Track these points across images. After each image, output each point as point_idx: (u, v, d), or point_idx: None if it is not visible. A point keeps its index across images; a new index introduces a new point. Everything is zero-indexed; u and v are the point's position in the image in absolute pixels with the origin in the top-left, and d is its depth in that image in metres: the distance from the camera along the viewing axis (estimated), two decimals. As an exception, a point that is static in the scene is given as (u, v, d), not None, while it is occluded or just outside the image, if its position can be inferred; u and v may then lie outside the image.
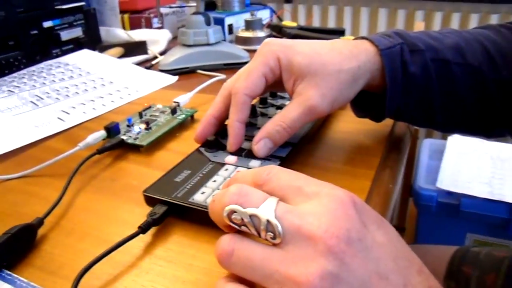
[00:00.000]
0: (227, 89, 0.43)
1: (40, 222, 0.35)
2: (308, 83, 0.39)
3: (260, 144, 0.39)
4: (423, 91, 0.43)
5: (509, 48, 0.44)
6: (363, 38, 0.44)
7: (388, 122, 0.52)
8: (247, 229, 0.24)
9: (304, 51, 0.40)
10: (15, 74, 0.72)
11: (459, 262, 0.64)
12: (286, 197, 0.25)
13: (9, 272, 0.31)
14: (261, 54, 0.41)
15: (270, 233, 0.23)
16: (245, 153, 0.40)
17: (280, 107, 0.50)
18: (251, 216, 0.24)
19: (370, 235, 0.24)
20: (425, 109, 0.45)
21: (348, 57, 0.41)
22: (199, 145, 0.43)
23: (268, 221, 0.23)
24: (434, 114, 0.45)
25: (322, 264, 0.22)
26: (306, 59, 0.40)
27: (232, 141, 0.41)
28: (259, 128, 0.42)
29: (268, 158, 0.40)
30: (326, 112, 0.40)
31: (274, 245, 0.24)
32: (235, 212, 0.24)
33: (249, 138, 0.42)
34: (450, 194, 1.07)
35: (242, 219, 0.24)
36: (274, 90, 0.49)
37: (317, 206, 0.24)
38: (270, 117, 0.44)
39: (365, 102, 0.47)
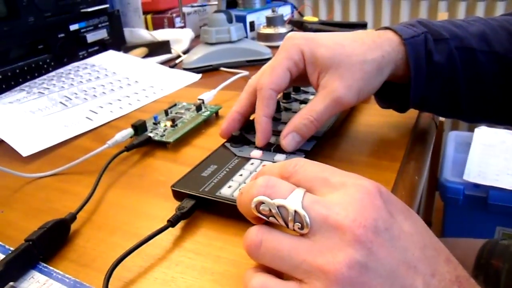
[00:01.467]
0: (252, 86, 0.43)
1: (73, 217, 0.36)
2: (332, 75, 0.39)
3: (288, 138, 0.40)
4: (448, 80, 0.43)
5: None
6: (386, 28, 0.44)
7: (412, 114, 0.52)
8: (275, 220, 0.25)
9: (327, 43, 0.40)
10: (44, 77, 0.74)
11: (488, 255, 0.64)
12: (312, 188, 0.26)
13: (45, 265, 0.32)
14: (285, 48, 0.41)
15: (297, 223, 0.24)
16: (273, 148, 0.41)
17: (303, 102, 0.51)
18: (278, 207, 0.24)
19: (397, 224, 0.24)
20: (450, 98, 0.44)
21: (371, 47, 0.41)
22: (224, 140, 0.44)
23: (295, 211, 0.24)
24: (459, 103, 0.45)
25: (349, 254, 0.22)
26: (329, 51, 0.40)
27: (260, 136, 0.41)
28: (283, 123, 0.42)
29: (293, 152, 0.40)
30: (353, 103, 0.40)
31: (302, 235, 0.24)
32: (263, 203, 0.25)
33: (275, 133, 0.43)
34: (477, 186, 1.05)
35: (270, 210, 0.25)
36: (299, 84, 0.49)
37: (344, 196, 0.24)
38: (294, 112, 0.45)
39: (389, 93, 0.47)
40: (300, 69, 0.41)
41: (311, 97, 0.52)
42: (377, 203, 0.24)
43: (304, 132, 0.39)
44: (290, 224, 0.24)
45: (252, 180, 0.28)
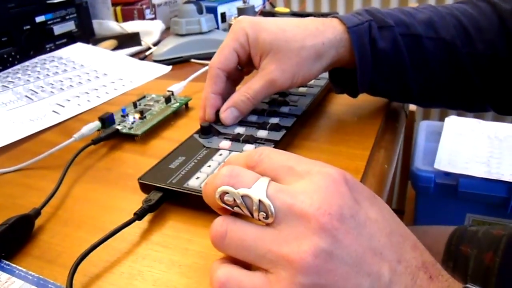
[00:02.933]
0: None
1: (37, 212, 0.35)
2: (271, 58, 0.42)
3: (227, 112, 0.43)
4: (394, 65, 0.44)
5: (485, 22, 0.44)
6: (333, 16, 0.45)
7: (382, 104, 0.52)
8: (240, 210, 0.25)
9: (270, 27, 0.43)
10: (9, 70, 0.72)
11: (457, 242, 0.65)
12: (278, 177, 0.25)
13: (7, 262, 0.31)
14: (233, 31, 0.44)
15: (262, 213, 0.24)
16: (242, 138, 0.41)
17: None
18: (243, 196, 0.24)
19: (363, 211, 0.24)
20: (398, 83, 0.46)
21: (313, 33, 0.43)
22: (194, 132, 0.43)
23: (260, 200, 0.23)
24: (409, 89, 0.46)
25: (315, 242, 0.22)
26: (270, 35, 0.42)
27: (209, 111, 0.44)
28: (255, 113, 0.45)
29: (262, 141, 0.40)
30: (287, 86, 0.43)
31: (267, 225, 0.24)
32: (227, 193, 0.24)
33: (245, 123, 0.44)
34: (447, 175, 1.07)
35: (234, 200, 0.24)
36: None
37: (309, 184, 0.24)
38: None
39: (343, 78, 0.48)
40: (247, 50, 0.44)
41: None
42: (343, 190, 0.24)
43: (241, 107, 0.43)
44: (255, 214, 0.24)
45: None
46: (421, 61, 0.44)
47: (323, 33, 0.43)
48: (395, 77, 0.45)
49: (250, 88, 0.43)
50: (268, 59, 0.42)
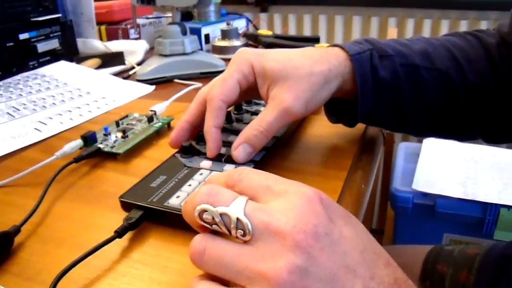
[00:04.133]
0: (202, 96, 0.44)
1: (17, 230, 0.35)
2: (281, 87, 0.41)
3: (239, 150, 0.40)
4: (393, 95, 0.45)
5: (474, 54, 0.47)
6: (334, 45, 0.46)
7: (360, 125, 0.54)
8: (218, 227, 0.25)
9: (276, 57, 0.42)
10: (-10, 87, 0.72)
11: (434, 261, 0.66)
12: (256, 196, 0.26)
13: (-14, 280, 0.31)
14: (235, 62, 0.43)
15: (240, 230, 0.24)
16: (224, 159, 0.41)
17: (255, 113, 0.51)
18: (221, 214, 0.25)
19: (337, 229, 0.25)
20: (397, 113, 0.47)
21: (318, 61, 0.42)
22: (175, 151, 0.44)
23: (238, 218, 0.24)
24: (406, 118, 0.47)
25: (290, 259, 0.23)
26: (278, 64, 0.41)
27: (211, 146, 0.41)
28: (235, 133, 0.43)
29: (242, 163, 0.41)
30: (301, 114, 0.41)
31: (245, 242, 0.25)
32: (206, 211, 0.25)
33: (226, 143, 0.43)
34: (425, 195, 1.09)
35: (213, 218, 0.25)
36: (249, 97, 0.50)
37: (285, 203, 0.25)
38: (245, 123, 0.45)
39: (339, 108, 0.49)
40: (250, 82, 0.42)
41: (262, 108, 0.53)
42: (317, 209, 0.25)
43: (255, 143, 0.40)
44: (233, 232, 0.25)
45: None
46: (419, 91, 0.45)
47: (328, 60, 0.43)
48: (393, 106, 0.46)
49: (263, 121, 0.40)
50: (278, 87, 0.41)
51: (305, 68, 0.41)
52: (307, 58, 0.43)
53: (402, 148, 1.34)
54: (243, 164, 0.40)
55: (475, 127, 0.49)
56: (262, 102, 0.55)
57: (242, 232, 0.24)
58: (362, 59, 0.44)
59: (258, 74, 0.42)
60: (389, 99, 0.45)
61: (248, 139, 0.40)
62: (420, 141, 1.32)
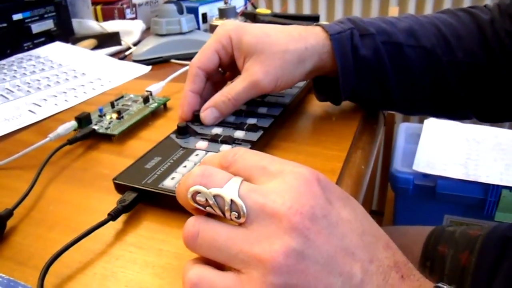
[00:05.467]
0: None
1: (9, 213, 0.35)
2: (254, 60, 0.42)
3: (207, 112, 0.43)
4: (376, 73, 0.45)
5: (464, 30, 0.46)
6: (316, 25, 0.46)
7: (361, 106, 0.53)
8: (212, 209, 0.24)
9: (254, 31, 0.43)
10: (-16, 68, 0.70)
11: (435, 242, 0.66)
12: (251, 177, 0.26)
13: (-23, 264, 0.31)
14: (216, 33, 0.45)
15: (234, 212, 0.24)
16: (220, 139, 0.40)
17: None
18: (215, 196, 0.24)
19: (335, 211, 0.25)
20: (381, 91, 0.46)
21: (296, 39, 0.43)
22: (170, 132, 0.43)
23: (232, 200, 0.23)
24: (390, 96, 0.47)
25: (286, 241, 0.22)
26: (254, 38, 0.43)
27: (186, 109, 0.44)
28: (234, 114, 0.45)
29: (239, 142, 0.40)
30: (270, 89, 0.43)
31: (240, 224, 0.24)
32: (199, 193, 0.24)
33: (223, 124, 0.43)
34: (426, 176, 1.08)
35: (207, 200, 0.24)
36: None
37: (281, 184, 0.24)
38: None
39: (326, 87, 0.49)
40: (229, 53, 0.44)
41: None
42: (315, 190, 0.24)
43: (222, 108, 0.43)
44: (227, 214, 0.24)
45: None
46: (402, 68, 0.45)
47: (306, 39, 0.43)
48: (377, 84, 0.46)
49: (232, 89, 0.43)
50: (252, 61, 0.42)
51: (280, 45, 0.43)
52: (285, 35, 0.43)
53: (403, 128, 1.33)
54: (240, 144, 0.40)
55: (468, 106, 0.48)
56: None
57: (236, 214, 0.24)
58: (341, 38, 0.44)
59: (235, 46, 0.44)
60: (372, 78, 0.45)
61: (216, 104, 0.43)
62: (421, 122, 1.31)
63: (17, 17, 0.79)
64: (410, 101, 0.48)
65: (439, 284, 0.25)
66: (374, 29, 0.45)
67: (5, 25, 0.76)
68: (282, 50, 0.42)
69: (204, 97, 0.46)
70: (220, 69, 0.47)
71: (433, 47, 0.45)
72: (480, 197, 1.04)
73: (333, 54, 0.43)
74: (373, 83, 0.46)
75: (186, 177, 0.25)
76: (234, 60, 0.45)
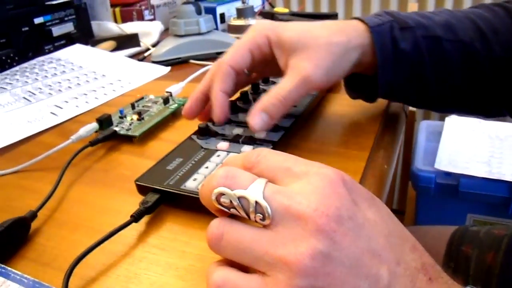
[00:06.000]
0: (216, 66, 0.43)
1: (33, 215, 0.35)
2: (300, 56, 0.40)
3: (256, 118, 0.38)
4: (415, 67, 0.43)
5: (501, 25, 0.44)
6: (353, 18, 0.44)
7: (381, 104, 0.52)
8: (236, 211, 0.24)
9: (293, 28, 0.41)
10: (7, 72, 0.71)
11: (458, 242, 0.64)
12: (275, 178, 0.25)
13: (3, 266, 0.31)
14: (251, 31, 0.42)
15: (259, 214, 0.23)
16: (242, 140, 0.40)
17: None
18: (239, 198, 0.24)
19: (361, 213, 0.24)
20: (418, 86, 0.45)
21: (337, 31, 0.41)
22: (191, 133, 0.43)
23: (256, 202, 0.23)
24: (427, 92, 0.45)
25: (312, 244, 0.22)
26: (296, 34, 0.40)
27: (218, 111, 0.40)
28: None
29: (260, 142, 0.40)
30: (322, 83, 0.40)
31: (264, 226, 0.24)
32: (224, 194, 0.24)
33: (243, 124, 0.42)
34: (448, 175, 1.06)
35: (231, 202, 0.24)
36: (267, 71, 0.48)
37: (306, 185, 0.24)
38: None
39: (359, 84, 0.48)
40: (264, 53, 0.42)
41: None
42: (340, 192, 0.24)
43: (272, 111, 0.39)
44: (252, 215, 0.24)
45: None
46: (441, 63, 0.44)
47: (347, 32, 0.42)
48: (415, 79, 0.44)
49: (282, 89, 0.38)
50: (297, 57, 0.40)
51: (324, 38, 0.40)
52: (326, 29, 0.41)
53: (424, 126, 1.31)
54: (261, 144, 0.39)
55: (503, 103, 0.47)
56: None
57: (261, 216, 0.23)
58: (382, 31, 0.42)
59: (275, 44, 0.41)
60: (410, 72, 0.44)
61: (266, 108, 0.38)
62: (443, 119, 1.29)
63: (38, 20, 0.80)
64: (446, 97, 0.46)
65: (468, 287, 0.25)
66: (412, 22, 0.43)
67: (27, 28, 0.77)
68: (327, 43, 0.40)
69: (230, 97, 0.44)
70: (245, 70, 0.44)
71: (472, 42, 0.43)
72: (505, 196, 1.02)
73: (373, 47, 0.42)
74: (411, 78, 0.44)
75: (210, 179, 0.25)
76: (265, 61, 0.42)
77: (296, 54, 0.40)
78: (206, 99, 0.43)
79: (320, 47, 0.40)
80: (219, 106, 0.40)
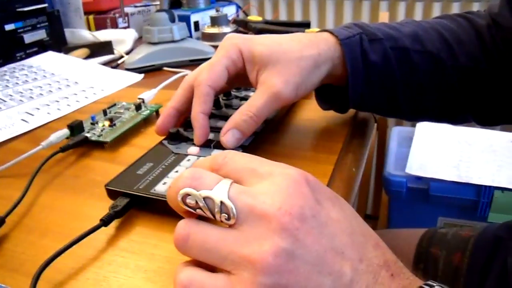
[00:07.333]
0: (188, 82, 0.43)
1: (1, 221, 0.35)
2: (270, 71, 0.40)
3: (228, 135, 0.39)
4: (384, 79, 0.44)
5: (465, 36, 0.46)
6: (323, 30, 0.45)
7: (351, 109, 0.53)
8: (202, 212, 0.25)
9: (264, 42, 0.41)
10: (-24, 79, 0.70)
11: (427, 244, 0.66)
12: (241, 179, 0.26)
13: (-31, 272, 0.31)
14: (223, 47, 0.42)
15: (224, 214, 0.24)
16: (213, 144, 0.41)
17: (244, 98, 0.51)
18: (205, 198, 0.24)
19: (325, 211, 0.25)
20: (388, 97, 0.46)
21: (308, 45, 0.42)
22: (162, 138, 0.43)
23: (222, 202, 0.24)
24: (397, 102, 0.46)
25: (275, 242, 0.23)
26: (267, 48, 0.41)
27: (198, 133, 0.40)
28: (223, 119, 0.42)
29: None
30: (291, 99, 0.41)
31: (230, 226, 0.24)
32: (190, 195, 0.25)
33: (214, 129, 0.43)
34: (419, 179, 1.09)
35: (197, 202, 0.24)
36: (238, 84, 0.49)
37: (270, 185, 0.24)
38: (234, 108, 0.44)
39: (330, 95, 0.48)
40: (238, 68, 0.42)
41: (251, 93, 0.52)
42: (304, 191, 0.25)
43: (244, 128, 0.39)
44: (217, 216, 0.24)
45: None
46: (409, 74, 0.45)
47: (318, 45, 0.42)
48: (385, 90, 0.45)
49: (253, 106, 0.39)
50: (268, 72, 0.40)
51: (295, 52, 0.41)
52: (297, 43, 0.42)
53: (395, 132, 1.33)
54: (231, 149, 0.40)
55: (468, 110, 0.49)
56: (252, 88, 0.54)
57: (226, 216, 0.24)
58: (351, 43, 0.43)
59: (247, 59, 0.41)
60: (380, 83, 0.45)
61: (237, 125, 0.39)
62: (414, 125, 1.32)
63: (9, 27, 0.79)
64: (415, 106, 0.47)
65: (429, 282, 0.26)
66: (381, 34, 0.45)
67: (-3, 35, 0.76)
68: (297, 57, 0.40)
69: (183, 111, 0.44)
70: None
71: (438, 52, 0.45)
72: (473, 199, 1.05)
73: (343, 59, 0.42)
74: (381, 89, 0.45)
75: (176, 180, 0.26)
76: (237, 75, 0.42)
77: (267, 69, 0.40)
78: (178, 115, 0.44)
79: (290, 62, 0.40)
80: (200, 128, 0.40)
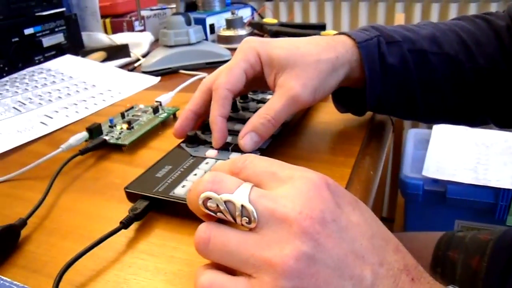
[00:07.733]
0: (206, 85, 0.43)
1: (23, 223, 0.35)
2: (288, 74, 0.40)
3: (246, 139, 0.39)
4: (402, 81, 0.44)
5: (483, 37, 0.46)
6: (341, 33, 0.45)
7: (369, 111, 0.53)
8: (223, 215, 0.25)
9: (282, 45, 0.41)
10: (-3, 82, 0.72)
11: (445, 247, 0.65)
12: (261, 183, 0.26)
13: (-8, 273, 0.31)
14: (241, 51, 0.42)
15: (245, 218, 0.24)
16: (231, 147, 0.41)
17: (261, 101, 0.51)
18: (225, 202, 0.24)
19: (345, 215, 0.25)
20: (405, 99, 0.46)
21: (326, 48, 0.42)
22: (180, 141, 0.43)
23: (242, 206, 0.24)
24: (415, 105, 0.46)
25: (296, 246, 0.23)
26: (285, 52, 0.41)
27: (217, 136, 0.40)
28: (241, 122, 0.42)
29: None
30: (309, 102, 0.41)
31: (250, 230, 0.24)
32: (210, 199, 0.25)
33: (232, 132, 0.43)
34: (436, 181, 1.08)
35: (218, 206, 0.25)
36: (256, 87, 0.49)
37: (291, 189, 0.24)
38: (251, 111, 0.45)
39: (347, 97, 0.48)
40: (256, 71, 0.42)
41: (268, 96, 0.52)
42: (324, 195, 0.25)
43: (262, 131, 0.39)
44: (238, 219, 0.24)
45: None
46: (427, 76, 0.45)
47: (335, 48, 0.42)
48: (402, 92, 0.45)
49: (271, 109, 0.39)
50: (286, 75, 0.40)
51: (313, 56, 0.41)
52: (314, 46, 0.42)
53: (412, 134, 1.32)
54: (250, 152, 0.40)
55: (487, 112, 0.48)
56: (268, 91, 0.54)
57: (247, 219, 0.24)
58: (369, 46, 0.43)
59: (265, 62, 0.41)
60: (398, 86, 0.45)
61: (255, 128, 0.39)
62: (430, 127, 1.31)
63: (28, 31, 0.80)
64: (433, 108, 0.47)
65: (450, 286, 0.25)
66: (398, 36, 0.44)
67: (17, 39, 0.78)
68: (315, 61, 0.40)
69: (201, 114, 0.44)
70: None
71: (456, 54, 0.44)
72: (491, 202, 1.03)
73: (361, 62, 0.42)
74: (399, 91, 0.45)
75: (197, 184, 0.26)
76: (255, 78, 0.42)
77: (285, 72, 0.40)
78: (196, 118, 0.44)
79: (308, 66, 0.40)
80: (218, 132, 0.40)
